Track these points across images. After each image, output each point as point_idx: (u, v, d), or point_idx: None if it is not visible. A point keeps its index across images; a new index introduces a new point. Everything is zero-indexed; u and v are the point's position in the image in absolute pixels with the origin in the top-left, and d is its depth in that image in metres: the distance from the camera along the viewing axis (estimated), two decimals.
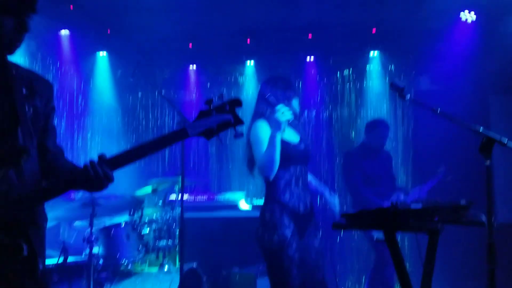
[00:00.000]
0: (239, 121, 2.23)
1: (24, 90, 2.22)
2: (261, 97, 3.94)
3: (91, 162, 2.12)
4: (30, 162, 2.15)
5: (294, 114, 3.91)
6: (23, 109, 2.17)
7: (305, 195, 3.88)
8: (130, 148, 2.17)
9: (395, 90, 3.26)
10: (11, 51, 2.23)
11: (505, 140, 2.74)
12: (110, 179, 2.17)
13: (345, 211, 3.82)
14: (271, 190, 3.83)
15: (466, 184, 5.56)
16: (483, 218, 2.76)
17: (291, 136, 3.93)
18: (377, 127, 5.67)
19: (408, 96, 3.25)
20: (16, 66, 2.29)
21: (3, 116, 2.15)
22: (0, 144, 2.11)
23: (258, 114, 3.93)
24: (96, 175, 2.11)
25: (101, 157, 2.15)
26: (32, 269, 2.13)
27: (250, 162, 3.96)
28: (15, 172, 2.10)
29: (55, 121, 2.45)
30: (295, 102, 4.01)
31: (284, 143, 3.79)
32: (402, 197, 5.41)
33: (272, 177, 3.76)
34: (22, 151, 2.07)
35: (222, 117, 2.18)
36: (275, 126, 3.66)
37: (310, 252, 3.85)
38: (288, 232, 3.71)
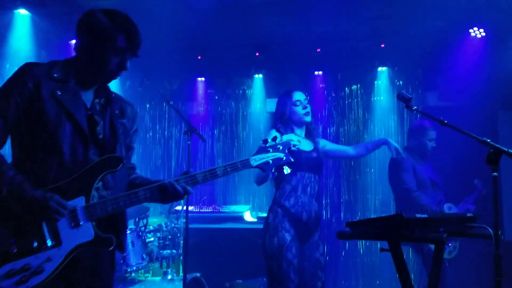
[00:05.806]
0: (289, 161, 2.72)
1: (117, 111, 2.63)
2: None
3: (170, 182, 2.48)
4: (122, 171, 2.50)
5: (303, 104, 4.05)
6: (118, 126, 2.57)
7: (310, 204, 3.89)
8: (206, 169, 2.59)
9: (402, 101, 3.28)
10: (110, 81, 2.67)
11: None
12: (188, 193, 2.54)
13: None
14: (277, 193, 3.90)
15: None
16: (490, 231, 2.72)
17: (304, 144, 3.95)
18: (426, 130, 5.19)
19: (415, 107, 3.27)
20: (111, 91, 2.70)
21: (104, 130, 2.52)
22: (102, 154, 2.46)
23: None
24: (175, 192, 2.47)
25: (186, 173, 2.55)
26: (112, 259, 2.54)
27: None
28: (112, 177, 2.45)
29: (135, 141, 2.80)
30: (297, 94, 4.10)
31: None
32: (452, 208, 5.17)
33: (259, 184, 3.87)
34: (119, 160, 2.44)
35: (276, 155, 2.70)
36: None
37: (310, 261, 3.86)
38: (288, 237, 3.74)
